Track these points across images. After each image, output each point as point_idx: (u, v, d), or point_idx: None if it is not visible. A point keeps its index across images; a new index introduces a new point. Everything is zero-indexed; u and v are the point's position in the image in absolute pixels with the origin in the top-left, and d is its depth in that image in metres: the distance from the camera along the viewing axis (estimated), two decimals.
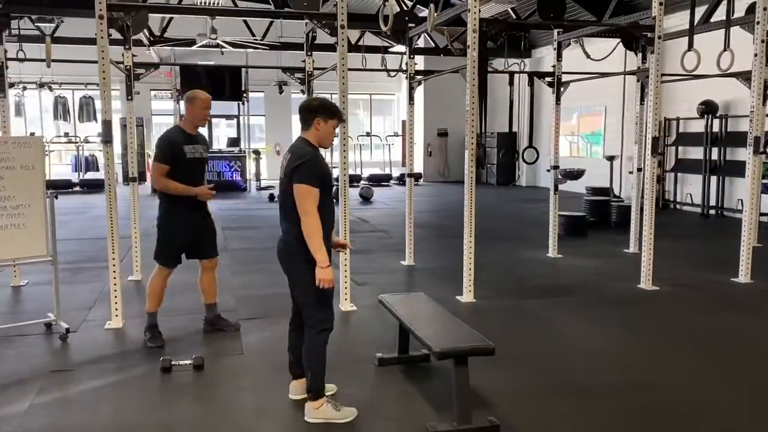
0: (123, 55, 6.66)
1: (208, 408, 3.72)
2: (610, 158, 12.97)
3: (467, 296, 5.97)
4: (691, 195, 12.33)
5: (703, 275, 7.08)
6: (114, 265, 5.20)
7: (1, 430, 3.42)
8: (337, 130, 3.66)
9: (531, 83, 8.14)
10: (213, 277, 5.10)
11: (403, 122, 21.59)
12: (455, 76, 6.33)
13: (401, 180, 18.61)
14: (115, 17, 5.74)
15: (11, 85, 15.79)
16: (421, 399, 3.83)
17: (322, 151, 3.57)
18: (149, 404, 3.79)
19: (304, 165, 3.33)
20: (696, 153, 12.12)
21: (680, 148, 12.61)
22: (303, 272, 3.40)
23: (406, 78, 7.50)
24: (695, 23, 6.83)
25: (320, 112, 3.47)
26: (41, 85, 16.05)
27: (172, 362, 4.28)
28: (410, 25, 7.28)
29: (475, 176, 5.96)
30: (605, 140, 15.03)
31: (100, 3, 4.85)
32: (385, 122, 22.75)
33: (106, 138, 5.08)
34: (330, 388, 3.86)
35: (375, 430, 3.48)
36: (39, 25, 13.29)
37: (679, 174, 12.66)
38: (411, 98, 7.59)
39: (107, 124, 5.05)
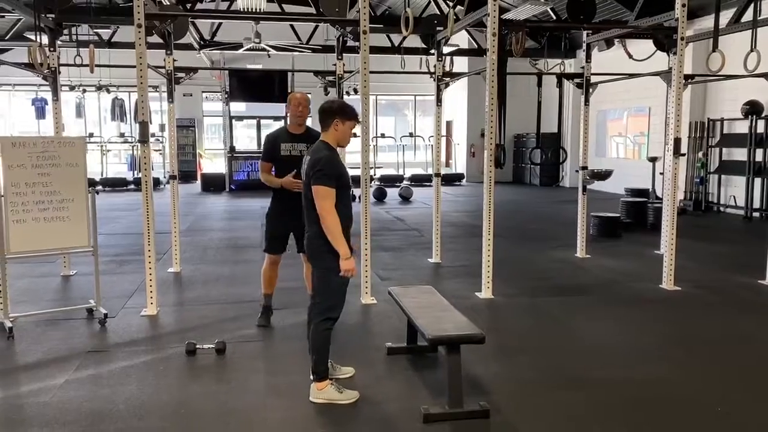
0: (164, 59, 7.08)
1: (222, 388, 4.02)
2: (652, 159, 12.82)
3: (485, 293, 6.13)
4: (734, 197, 12.09)
5: (731, 277, 7.03)
6: (150, 257, 5.58)
7: (38, 399, 3.82)
8: (358, 131, 3.94)
9: (560, 84, 8.20)
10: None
11: (448, 123, 21.73)
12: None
13: (443, 180, 18.71)
14: (157, 25, 6.15)
15: (72, 88, 16.79)
16: (422, 385, 4.04)
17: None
18: (170, 383, 4.13)
19: (323, 169, 3.62)
20: (740, 154, 11.88)
21: (724, 150, 12.38)
22: (324, 262, 3.70)
23: (434, 80, 7.69)
24: (725, 24, 6.83)
25: (339, 114, 3.75)
26: (99, 88, 16.85)
27: (197, 346, 4.62)
28: (438, 28, 7.47)
29: (494, 176, 6.06)
30: (649, 141, 14.84)
31: (138, 12, 5.23)
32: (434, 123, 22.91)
33: (143, 138, 5.46)
34: (347, 371, 4.13)
35: (374, 411, 3.71)
36: (97, 31, 14.11)
37: (722, 176, 12.43)
38: (439, 100, 7.77)
39: (144, 125, 5.42)
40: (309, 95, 5.15)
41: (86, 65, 10.10)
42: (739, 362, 4.50)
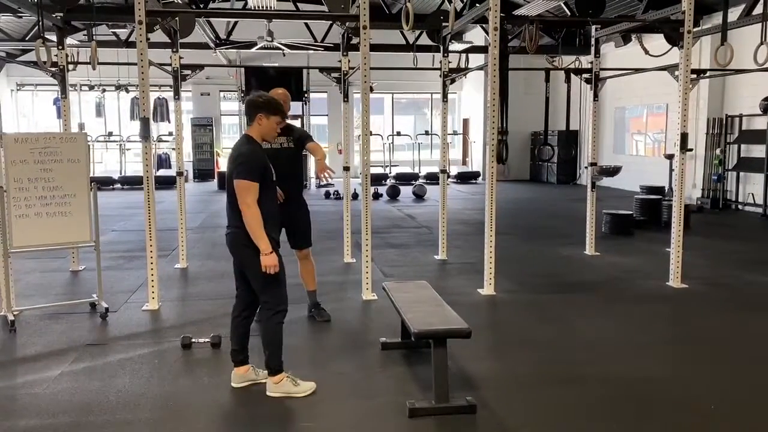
0: (171, 57, 7.13)
1: (214, 381, 4.04)
2: (669, 156, 12.64)
3: (487, 289, 6.08)
4: (753, 195, 11.86)
5: (741, 275, 6.89)
6: (151, 252, 5.63)
7: (32, 390, 3.88)
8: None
9: (568, 80, 8.11)
10: (306, 265, 5.31)
11: (464, 121, 21.64)
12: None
13: (459, 178, 18.70)
14: (159, 21, 6.20)
15: (91, 88, 17.05)
16: (412, 380, 4.02)
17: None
18: (163, 376, 4.17)
19: (244, 163, 3.60)
20: (759, 151, 11.65)
21: (743, 146, 12.14)
22: (253, 259, 3.65)
23: (440, 76, 7.66)
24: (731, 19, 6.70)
25: (263, 108, 3.73)
26: (118, 88, 17.07)
27: (192, 340, 4.66)
28: (444, 24, 7.43)
29: (496, 172, 6.00)
30: (667, 138, 14.62)
31: (139, 9, 5.28)
32: (450, 121, 22.80)
33: (144, 134, 5.51)
34: (263, 376, 3.91)
35: (362, 406, 3.70)
36: (115, 31, 14.29)
37: (741, 173, 12.20)
38: (445, 96, 7.74)
39: (145, 122, 5.47)
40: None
41: (103, 63, 10.30)
42: (739, 360, 4.41)
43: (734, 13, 8.40)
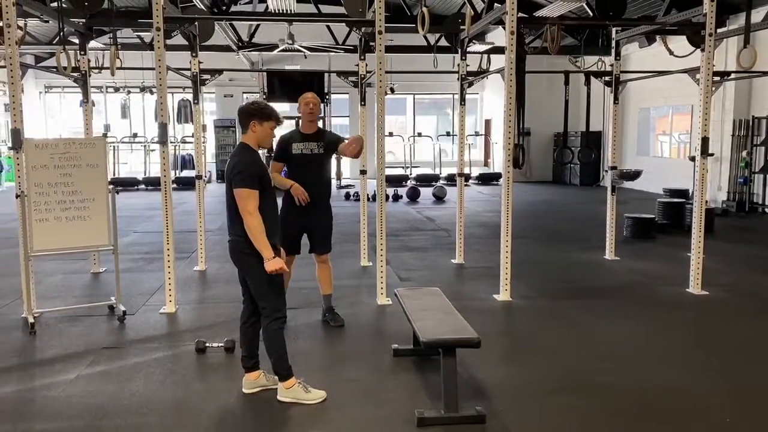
0: (190, 62, 7.20)
1: (224, 385, 4.07)
2: (693, 159, 12.41)
3: (503, 295, 6.04)
4: None
5: (765, 281, 6.76)
6: (168, 255, 5.69)
7: (48, 393, 3.94)
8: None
9: (587, 82, 8.02)
10: (323, 269, 5.33)
11: (486, 121, 21.53)
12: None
13: (480, 180, 18.60)
14: (179, 27, 6.27)
15: (116, 90, 17.28)
16: (422, 388, 4.01)
17: None
18: (176, 380, 4.21)
19: (243, 171, 3.63)
20: None
21: None
22: (253, 266, 3.68)
23: (458, 79, 7.63)
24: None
25: (255, 116, 3.74)
26: (143, 90, 17.29)
27: (206, 344, 4.69)
28: (461, 27, 7.40)
29: (512, 176, 5.95)
30: (691, 140, 14.38)
31: (157, 16, 5.34)
32: (472, 122, 22.68)
33: (162, 139, 5.57)
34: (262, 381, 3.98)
35: (370, 413, 3.71)
36: (139, 34, 14.45)
37: (767, 176, 11.96)
38: (462, 99, 7.70)
39: (163, 127, 5.53)
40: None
41: (126, 67, 10.43)
42: (760, 370, 4.32)
43: (759, 13, 8.24)
